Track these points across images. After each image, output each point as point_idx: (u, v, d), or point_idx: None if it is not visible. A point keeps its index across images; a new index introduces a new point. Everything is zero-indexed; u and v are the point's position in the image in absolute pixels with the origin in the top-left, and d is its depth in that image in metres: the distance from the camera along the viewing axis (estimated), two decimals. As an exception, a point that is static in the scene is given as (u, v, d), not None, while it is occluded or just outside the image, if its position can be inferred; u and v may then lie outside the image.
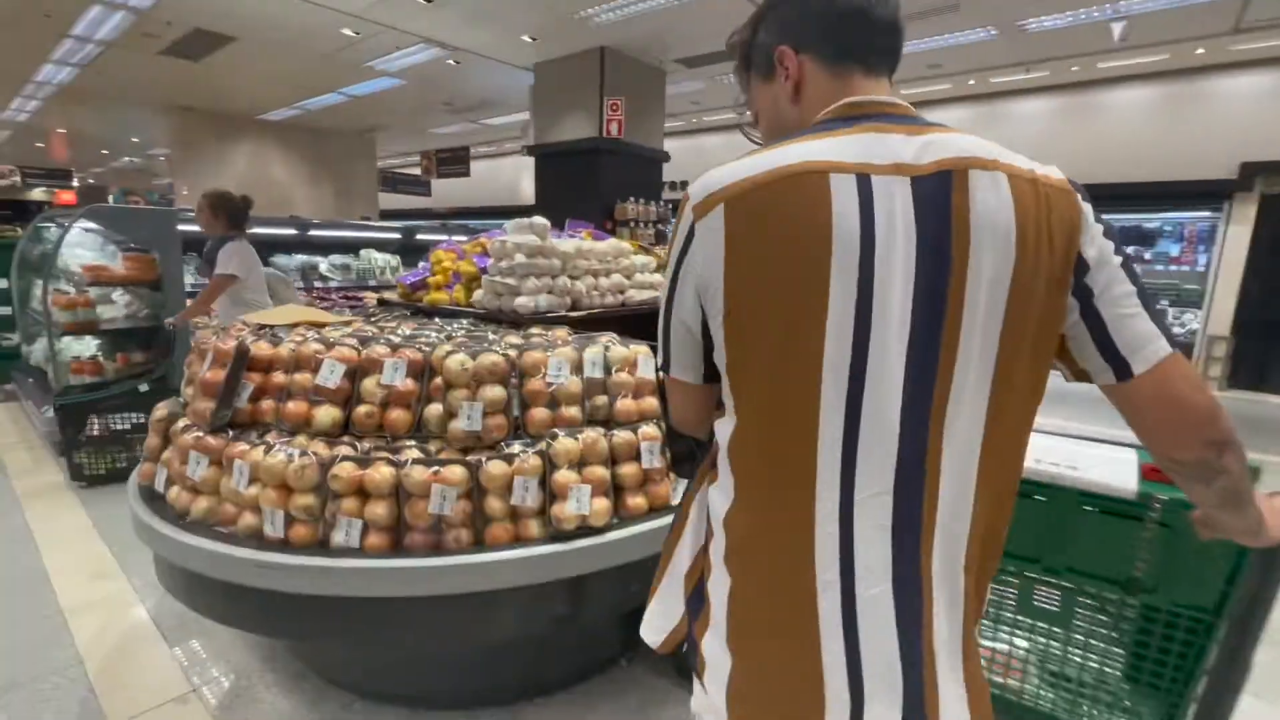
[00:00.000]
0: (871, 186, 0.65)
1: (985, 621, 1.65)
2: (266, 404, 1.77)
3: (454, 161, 11.33)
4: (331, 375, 1.71)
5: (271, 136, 11.22)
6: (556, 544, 1.57)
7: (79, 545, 2.98)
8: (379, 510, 1.53)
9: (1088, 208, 0.69)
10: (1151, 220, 7.86)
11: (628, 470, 1.71)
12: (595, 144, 6.82)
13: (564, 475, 1.60)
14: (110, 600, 2.52)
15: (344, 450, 1.61)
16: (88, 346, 4.20)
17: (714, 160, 0.72)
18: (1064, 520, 1.53)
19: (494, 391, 1.68)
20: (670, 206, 7.34)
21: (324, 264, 5.56)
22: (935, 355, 0.66)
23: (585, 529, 1.60)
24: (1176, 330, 7.48)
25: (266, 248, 5.46)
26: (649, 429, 1.76)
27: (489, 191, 14.04)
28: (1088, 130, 7.70)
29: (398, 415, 1.71)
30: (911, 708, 0.69)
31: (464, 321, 2.33)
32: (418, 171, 12.49)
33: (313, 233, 5.70)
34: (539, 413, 1.72)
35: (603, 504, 1.63)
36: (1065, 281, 0.68)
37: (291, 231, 5.59)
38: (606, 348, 1.84)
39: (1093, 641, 1.57)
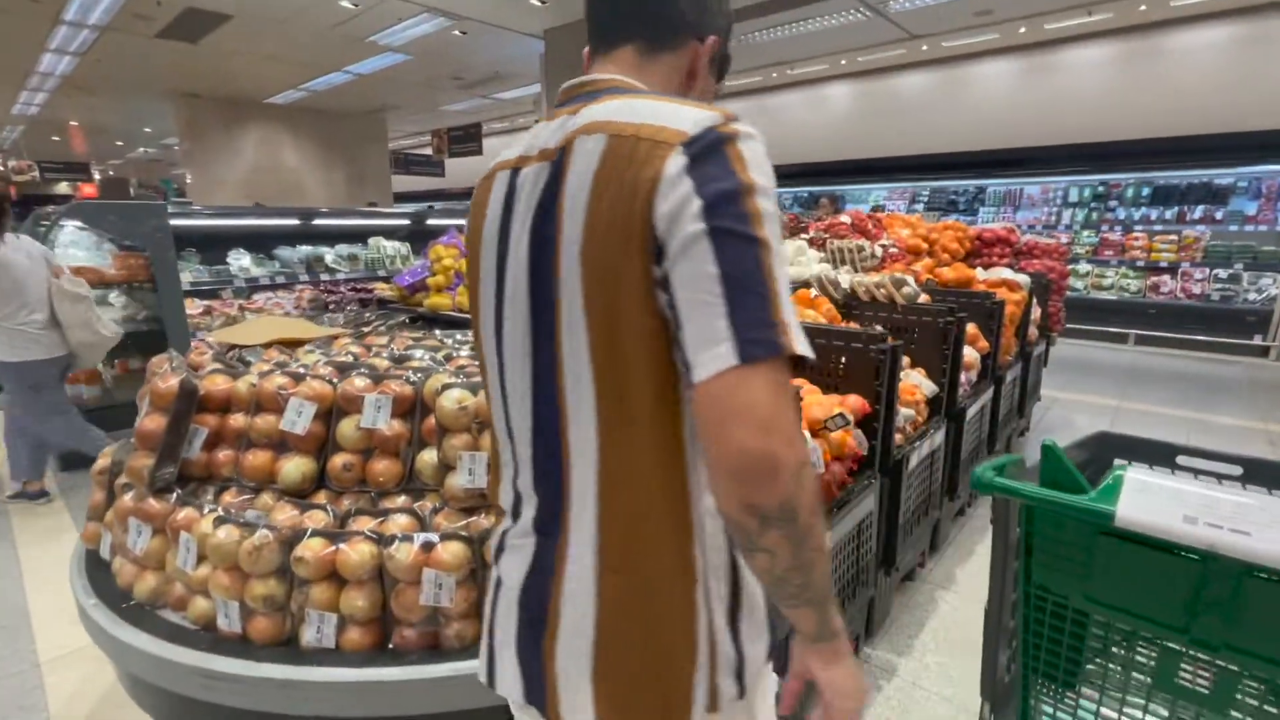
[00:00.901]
0: (517, 179, 0.66)
1: (1112, 691, 1.29)
2: (224, 453, 1.44)
3: (466, 140, 10.98)
4: (299, 419, 1.37)
5: (280, 121, 10.91)
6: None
7: (66, 580, 2.73)
8: (358, 601, 1.19)
9: (681, 160, 0.55)
10: (1223, 176, 7.15)
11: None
12: (613, 115, 6.35)
13: (594, 546, 1.24)
14: (91, 650, 2.26)
15: (313, 519, 1.27)
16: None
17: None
18: (1224, 587, 1.12)
19: (501, 436, 1.31)
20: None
21: (330, 255, 5.23)
22: (552, 339, 0.62)
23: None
24: (1252, 297, 6.81)
25: (268, 239, 5.16)
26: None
27: (504, 170, 13.66)
28: (1154, 78, 6.96)
29: (383, 467, 1.37)
30: (531, 687, 0.68)
31: (469, 333, 1.97)
32: (430, 152, 12.10)
33: (317, 221, 5.36)
34: (559, 461, 1.36)
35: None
36: (636, 246, 0.56)
37: (294, 221, 5.25)
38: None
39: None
